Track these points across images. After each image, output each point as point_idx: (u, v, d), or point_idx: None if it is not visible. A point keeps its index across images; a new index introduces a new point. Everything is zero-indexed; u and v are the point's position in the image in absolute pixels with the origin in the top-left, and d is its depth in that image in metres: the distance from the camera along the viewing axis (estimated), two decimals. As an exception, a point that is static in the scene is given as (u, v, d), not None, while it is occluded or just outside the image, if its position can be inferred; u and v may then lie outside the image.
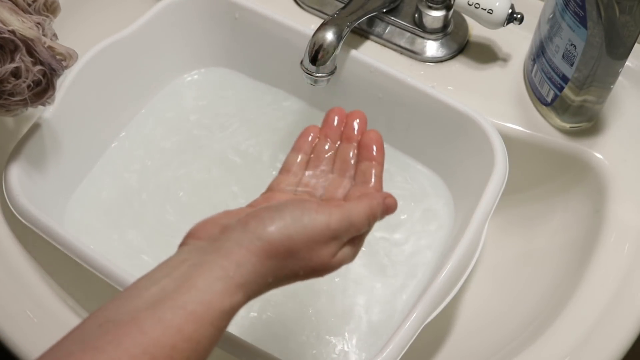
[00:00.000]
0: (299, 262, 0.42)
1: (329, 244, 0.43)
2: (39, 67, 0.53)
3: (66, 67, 0.55)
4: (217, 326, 0.38)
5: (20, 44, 0.51)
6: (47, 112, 0.62)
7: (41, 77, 0.53)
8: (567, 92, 0.62)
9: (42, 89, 0.55)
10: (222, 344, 0.51)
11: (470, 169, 0.64)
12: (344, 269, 0.52)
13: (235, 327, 0.50)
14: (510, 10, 0.65)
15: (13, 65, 0.51)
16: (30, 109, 0.56)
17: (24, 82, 0.52)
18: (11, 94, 0.52)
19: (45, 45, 0.53)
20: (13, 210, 0.58)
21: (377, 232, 0.66)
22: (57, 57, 0.54)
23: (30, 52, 0.52)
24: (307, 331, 0.62)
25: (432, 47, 0.70)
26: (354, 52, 0.68)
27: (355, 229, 0.44)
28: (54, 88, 0.55)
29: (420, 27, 0.70)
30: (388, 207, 0.46)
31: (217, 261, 0.39)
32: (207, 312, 0.38)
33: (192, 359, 0.37)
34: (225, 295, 0.39)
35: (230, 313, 0.39)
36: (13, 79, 0.52)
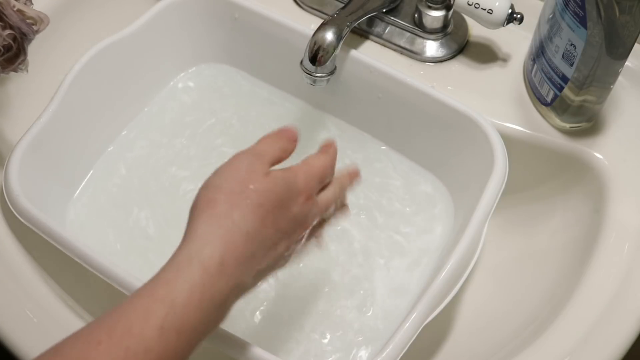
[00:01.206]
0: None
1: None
2: (8, 32, 0.51)
3: (37, 32, 0.54)
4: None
5: None
6: (47, 112, 0.62)
7: (11, 42, 0.52)
8: (567, 92, 0.62)
9: (14, 54, 0.53)
10: (217, 341, 0.51)
11: (470, 169, 0.64)
12: (342, 268, 0.52)
13: (229, 322, 0.50)
14: (510, 10, 0.65)
15: None
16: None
17: None
18: None
19: (15, 9, 0.52)
20: (13, 210, 0.58)
21: (377, 231, 0.66)
22: (28, 20, 0.53)
23: None
24: (306, 331, 0.62)
25: (431, 47, 0.70)
26: (353, 52, 0.68)
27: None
28: (25, 53, 0.54)
29: (420, 27, 0.70)
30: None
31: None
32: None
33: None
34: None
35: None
36: None
